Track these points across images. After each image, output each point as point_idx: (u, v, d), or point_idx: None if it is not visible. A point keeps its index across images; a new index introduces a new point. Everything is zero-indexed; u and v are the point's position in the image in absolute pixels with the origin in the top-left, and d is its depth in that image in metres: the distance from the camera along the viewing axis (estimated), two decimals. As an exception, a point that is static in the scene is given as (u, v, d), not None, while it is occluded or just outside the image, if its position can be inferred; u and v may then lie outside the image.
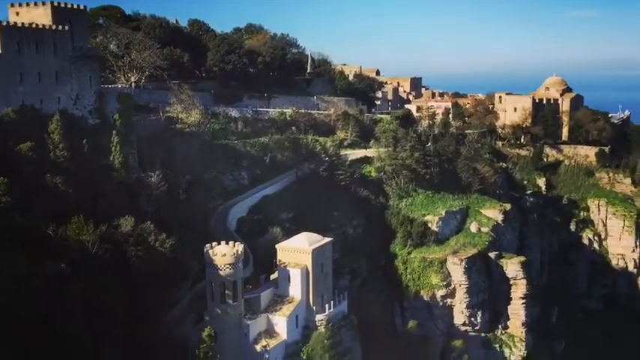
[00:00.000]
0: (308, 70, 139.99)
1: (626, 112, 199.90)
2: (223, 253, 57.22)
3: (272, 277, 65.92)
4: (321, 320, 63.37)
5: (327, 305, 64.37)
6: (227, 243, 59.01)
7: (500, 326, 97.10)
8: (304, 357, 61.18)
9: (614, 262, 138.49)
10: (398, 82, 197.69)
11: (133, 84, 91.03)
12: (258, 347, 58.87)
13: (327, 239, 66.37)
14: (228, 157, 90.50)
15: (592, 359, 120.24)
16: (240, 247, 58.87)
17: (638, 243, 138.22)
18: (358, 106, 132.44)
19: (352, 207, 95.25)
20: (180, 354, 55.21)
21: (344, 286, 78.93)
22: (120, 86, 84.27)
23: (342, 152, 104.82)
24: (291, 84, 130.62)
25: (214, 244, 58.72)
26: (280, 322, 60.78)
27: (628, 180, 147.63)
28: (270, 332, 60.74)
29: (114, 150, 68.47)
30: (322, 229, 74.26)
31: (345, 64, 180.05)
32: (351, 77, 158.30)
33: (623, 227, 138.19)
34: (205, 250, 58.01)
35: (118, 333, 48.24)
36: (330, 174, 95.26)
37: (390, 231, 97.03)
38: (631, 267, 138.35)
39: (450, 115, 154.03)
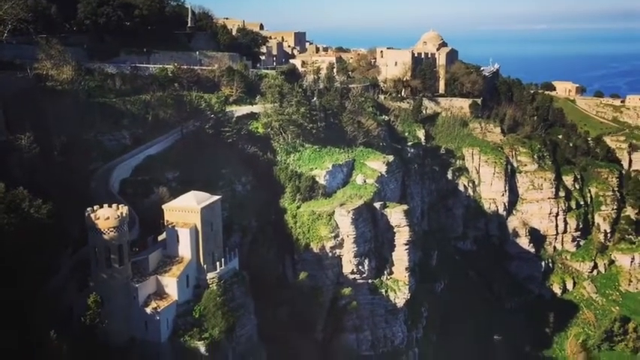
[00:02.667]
0: (189, 25, 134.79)
1: (496, 65, 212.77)
2: (106, 217, 55.03)
3: (160, 238, 64.49)
4: (213, 278, 63.28)
5: (217, 263, 64.27)
6: (110, 206, 56.74)
7: (385, 272, 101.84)
8: (196, 316, 61.07)
9: (486, 206, 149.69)
10: (282, 37, 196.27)
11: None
12: (148, 310, 57.87)
13: (216, 197, 65.73)
14: (107, 117, 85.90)
15: (468, 296, 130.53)
16: (124, 209, 56.86)
17: (507, 188, 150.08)
18: (243, 62, 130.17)
19: (240, 164, 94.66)
20: (65, 322, 53.04)
21: (234, 243, 78.95)
22: (-22, 41, 76.67)
23: (228, 109, 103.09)
24: (171, 39, 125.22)
25: (96, 207, 56.21)
26: (170, 282, 59.96)
27: (498, 129, 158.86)
28: (160, 294, 59.80)
29: (-24, 111, 62.80)
30: (210, 188, 73.38)
31: (227, 18, 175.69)
32: (234, 32, 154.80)
33: (494, 174, 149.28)
34: (87, 214, 55.45)
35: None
36: (216, 131, 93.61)
37: (278, 186, 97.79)
38: (501, 210, 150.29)
39: (335, 70, 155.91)
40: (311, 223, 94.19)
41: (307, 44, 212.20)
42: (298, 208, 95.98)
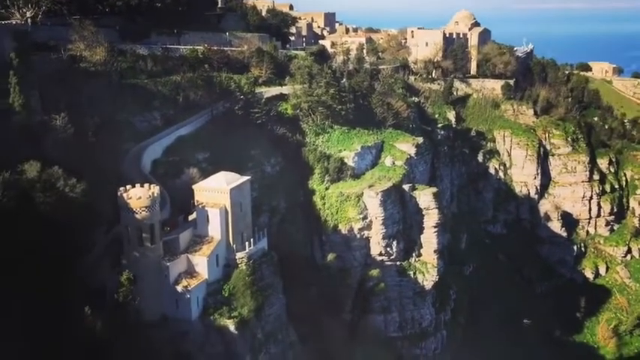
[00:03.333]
0: (219, 5, 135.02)
1: (530, 46, 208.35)
2: (138, 196, 56.00)
3: (190, 218, 65.45)
4: (242, 258, 64.07)
5: (247, 243, 65.00)
6: (142, 186, 57.71)
7: (414, 254, 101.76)
8: (226, 295, 62.01)
9: (517, 189, 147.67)
10: (312, 18, 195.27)
11: (29, 20, 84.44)
12: (179, 288, 58.99)
13: (245, 178, 66.29)
14: (138, 98, 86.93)
15: (497, 279, 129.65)
16: (156, 189, 57.77)
17: (539, 171, 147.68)
18: (272, 43, 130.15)
19: (269, 145, 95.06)
20: (98, 300, 54.43)
21: (263, 223, 79.64)
22: (15, 22, 77.98)
23: (257, 90, 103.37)
24: (202, 20, 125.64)
25: (128, 187, 57.26)
26: (201, 261, 60.93)
27: (530, 111, 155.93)
28: (190, 273, 60.83)
29: (13, 92, 64.17)
30: (239, 169, 73.97)
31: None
32: (264, 12, 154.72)
33: (526, 156, 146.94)
34: (119, 193, 56.53)
35: (30, 283, 46.75)
36: (245, 112, 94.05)
37: (307, 168, 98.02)
38: (532, 193, 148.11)
39: (364, 51, 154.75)
40: (339, 204, 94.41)
41: (337, 25, 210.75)
42: (327, 189, 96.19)
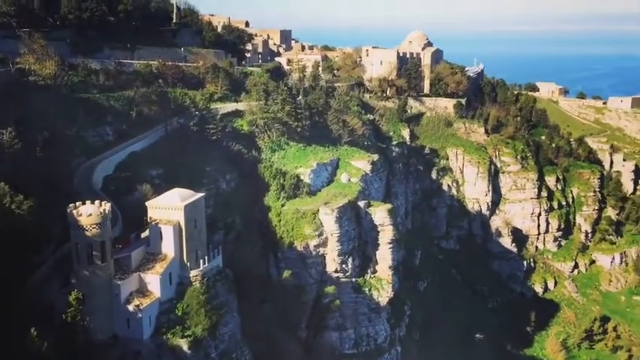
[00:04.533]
0: (174, 21, 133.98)
1: (480, 66, 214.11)
2: (89, 213, 54.59)
3: (143, 235, 64.13)
4: (196, 276, 63.10)
5: (201, 261, 64.08)
6: (93, 202, 56.31)
7: (369, 271, 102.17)
8: (179, 314, 60.86)
9: (469, 206, 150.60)
10: (268, 35, 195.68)
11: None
12: (130, 307, 57.54)
13: (200, 194, 65.54)
14: (90, 112, 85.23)
15: (451, 294, 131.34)
16: (107, 206, 56.45)
17: (490, 188, 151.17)
18: (228, 59, 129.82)
19: (225, 161, 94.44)
20: (46, 320, 52.52)
21: (218, 240, 78.74)
22: (-40, 34, 75.66)
23: (213, 106, 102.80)
24: (156, 35, 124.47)
25: (79, 203, 55.78)
26: (153, 280, 59.68)
27: (481, 130, 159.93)
28: (142, 291, 59.48)
29: (-44, 105, 61.97)
30: (194, 185, 73.17)
31: (213, 15, 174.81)
32: (219, 29, 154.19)
33: (478, 174, 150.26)
34: (69, 210, 54.97)
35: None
36: (200, 128, 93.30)
37: (263, 184, 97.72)
38: (484, 210, 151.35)
39: (320, 68, 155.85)
40: (295, 221, 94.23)
41: (293, 42, 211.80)
42: (283, 206, 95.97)
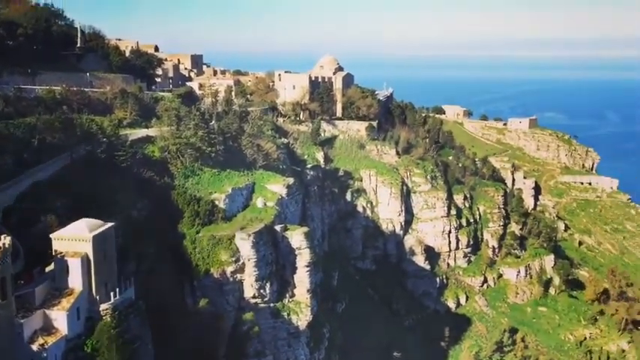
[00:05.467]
0: (78, 45, 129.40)
1: (390, 89, 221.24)
2: (-14, 249, 51.08)
3: (48, 269, 60.69)
4: (106, 309, 60.31)
5: (112, 293, 61.37)
6: (-9, 237, 52.77)
7: (287, 295, 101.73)
8: (89, 350, 57.84)
9: (384, 226, 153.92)
10: (178, 59, 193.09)
11: None
12: (34, 346, 54.06)
13: (109, 224, 63.00)
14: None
15: (369, 314, 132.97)
16: (7, 239, 52.99)
17: (403, 208, 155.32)
18: (137, 84, 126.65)
19: (136, 189, 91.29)
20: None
21: (130, 271, 75.64)
22: None
23: (122, 132, 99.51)
24: (59, 59, 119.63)
25: (-26, 239, 52.09)
26: (59, 316, 56.45)
27: (393, 151, 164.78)
28: (48, 329, 56.09)
29: None
30: (103, 214, 70.06)
31: (120, 39, 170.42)
32: (127, 53, 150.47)
33: (391, 194, 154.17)
34: (-37, 246, 51.21)
35: None
36: (109, 155, 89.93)
37: (177, 211, 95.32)
38: (398, 229, 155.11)
39: (233, 93, 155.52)
40: (211, 247, 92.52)
41: (204, 67, 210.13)
42: (197, 233, 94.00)
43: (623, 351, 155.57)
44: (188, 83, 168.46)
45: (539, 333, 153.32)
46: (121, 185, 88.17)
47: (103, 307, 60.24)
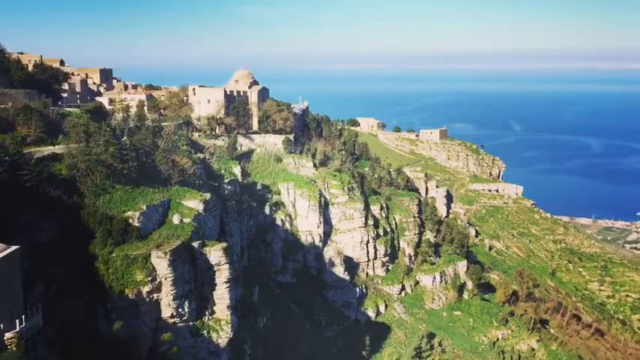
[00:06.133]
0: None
1: (305, 103, 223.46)
2: None
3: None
4: (11, 338, 56.65)
5: (17, 321, 57.78)
6: None
7: (207, 312, 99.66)
8: (-7, 383, 54.14)
9: (303, 238, 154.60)
10: (86, 74, 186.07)
11: None
12: None
13: (13, 248, 59.36)
14: None
15: (290, 328, 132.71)
16: None
17: (321, 219, 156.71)
18: (41, 99, 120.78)
19: (42, 209, 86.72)
20: None
21: (38, 296, 71.68)
22: None
23: (26, 150, 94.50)
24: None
25: None
26: (-42, 349, 52.55)
27: (310, 164, 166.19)
28: (-55, 364, 52.05)
29: None
30: (6, 237, 66.12)
31: (22, 53, 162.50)
32: (30, 67, 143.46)
33: (309, 206, 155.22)
34: None
35: None
36: (11, 175, 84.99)
37: (88, 231, 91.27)
38: (317, 241, 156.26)
39: (145, 108, 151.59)
40: (125, 268, 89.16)
41: (115, 81, 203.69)
42: (110, 253, 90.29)
43: (533, 349, 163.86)
44: (97, 98, 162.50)
45: (455, 336, 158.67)
46: (25, 206, 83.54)
47: (7, 335, 56.56)
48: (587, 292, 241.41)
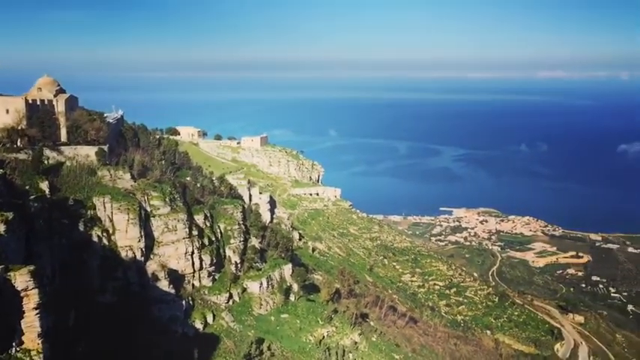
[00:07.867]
0: None
1: (120, 112, 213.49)
2: None
3: None
4: None
5: None
6: None
7: (14, 344, 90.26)
8: None
9: (123, 254, 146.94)
10: None
11: None
12: None
13: None
14: None
15: (114, 351, 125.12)
16: None
17: (142, 233, 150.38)
18: None
19: None
20: None
21: None
22: None
23: None
24: None
25: None
26: None
27: (127, 176, 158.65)
28: None
29: None
30: None
31: None
32: None
33: (128, 220, 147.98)
34: None
35: None
36: None
37: None
38: (139, 256, 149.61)
39: None
40: None
41: None
42: None
43: (356, 343, 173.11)
44: None
45: (284, 339, 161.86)
46: None
47: None
48: (401, 284, 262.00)
